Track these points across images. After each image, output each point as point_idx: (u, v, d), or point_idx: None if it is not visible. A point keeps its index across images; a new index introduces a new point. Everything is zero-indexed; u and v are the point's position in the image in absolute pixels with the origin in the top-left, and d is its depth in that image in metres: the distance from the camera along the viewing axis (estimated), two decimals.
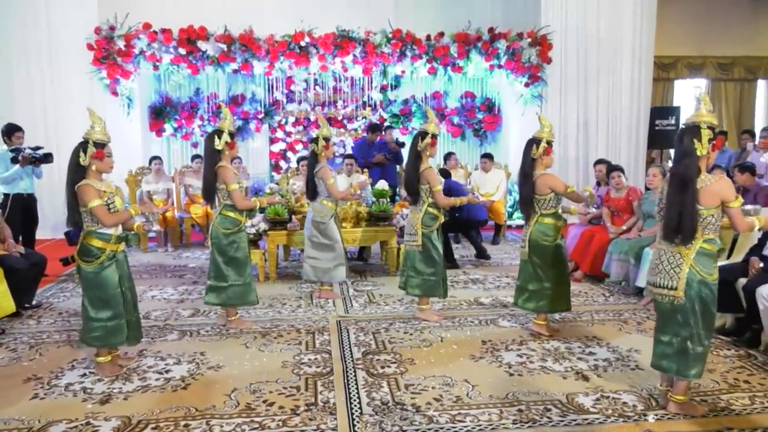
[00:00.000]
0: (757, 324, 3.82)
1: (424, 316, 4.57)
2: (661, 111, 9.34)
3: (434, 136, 4.39)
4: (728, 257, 4.64)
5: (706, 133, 2.82)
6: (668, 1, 9.73)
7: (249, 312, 4.75)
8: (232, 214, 4.24)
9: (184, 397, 3.23)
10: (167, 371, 3.59)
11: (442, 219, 4.53)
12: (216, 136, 4.16)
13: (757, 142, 7.47)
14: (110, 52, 7.97)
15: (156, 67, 8.36)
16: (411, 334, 4.24)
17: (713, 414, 3.02)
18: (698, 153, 2.81)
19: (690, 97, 11.52)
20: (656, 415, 3.00)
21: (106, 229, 3.42)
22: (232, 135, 4.20)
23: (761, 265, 3.96)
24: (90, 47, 7.92)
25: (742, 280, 3.99)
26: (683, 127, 2.95)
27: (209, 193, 4.28)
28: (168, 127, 9.01)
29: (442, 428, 2.88)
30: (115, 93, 8.15)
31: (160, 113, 8.96)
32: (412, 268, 4.53)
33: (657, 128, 9.06)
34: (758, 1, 11.17)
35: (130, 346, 3.72)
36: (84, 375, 3.52)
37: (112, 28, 7.99)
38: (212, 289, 4.35)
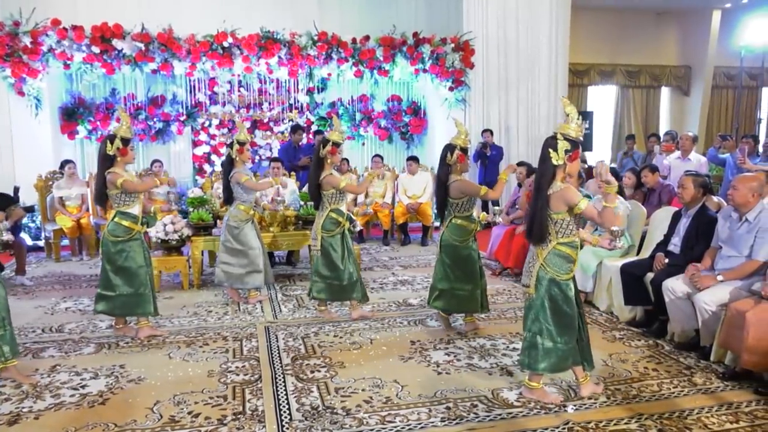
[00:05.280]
0: (663, 315, 4.10)
1: (357, 315, 4.64)
2: None
3: (335, 144, 4.47)
4: (637, 253, 4.94)
5: (562, 144, 2.97)
6: (581, 12, 10.27)
7: (172, 321, 4.59)
8: (125, 223, 4.10)
9: (102, 413, 3.08)
10: (83, 386, 3.41)
11: (346, 225, 4.60)
12: (108, 141, 4.04)
13: (661, 146, 7.97)
14: (15, 49, 7.43)
15: (67, 66, 7.86)
16: (341, 337, 4.23)
17: (626, 402, 3.20)
18: (553, 162, 2.97)
19: (603, 102, 12.24)
20: (575, 406, 3.15)
21: None
22: (125, 141, 4.06)
23: (666, 260, 4.24)
24: None
25: (650, 275, 4.25)
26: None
27: (100, 198, 4.16)
28: (82, 129, 8.51)
29: (372, 430, 2.90)
30: (21, 93, 7.60)
31: (72, 114, 8.44)
32: (315, 272, 4.61)
33: None
34: (661, 15, 12.03)
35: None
36: None
37: (17, 24, 7.46)
38: (101, 297, 4.21)
